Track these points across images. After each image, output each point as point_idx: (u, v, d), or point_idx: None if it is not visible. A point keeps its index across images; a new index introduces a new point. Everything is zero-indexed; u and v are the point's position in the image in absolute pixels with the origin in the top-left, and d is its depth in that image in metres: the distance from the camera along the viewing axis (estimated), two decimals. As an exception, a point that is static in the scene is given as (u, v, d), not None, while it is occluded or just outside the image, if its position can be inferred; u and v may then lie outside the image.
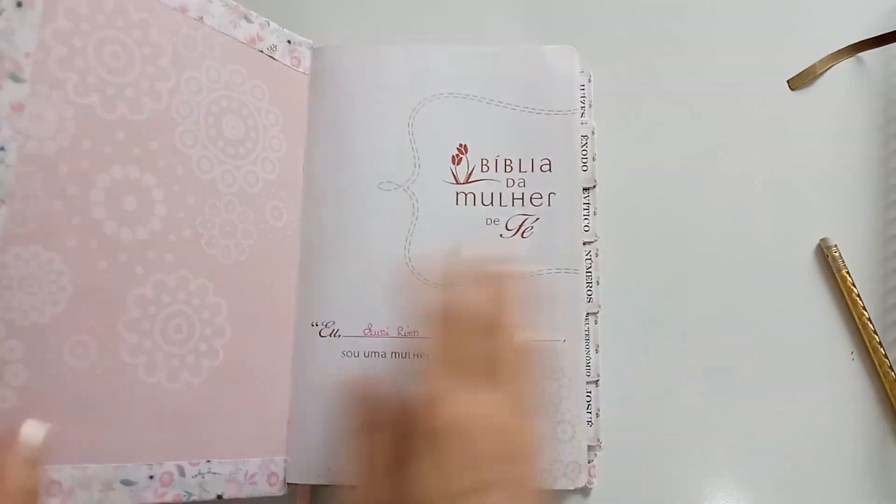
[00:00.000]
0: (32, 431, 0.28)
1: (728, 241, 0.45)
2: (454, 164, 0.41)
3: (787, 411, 0.43)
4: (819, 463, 0.43)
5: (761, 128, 0.47)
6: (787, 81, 0.48)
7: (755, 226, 0.46)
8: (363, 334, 0.39)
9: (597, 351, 0.40)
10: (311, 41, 0.42)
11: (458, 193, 0.41)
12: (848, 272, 0.44)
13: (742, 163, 0.46)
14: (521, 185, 0.41)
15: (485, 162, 0.41)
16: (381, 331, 0.39)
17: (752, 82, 0.47)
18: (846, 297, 0.44)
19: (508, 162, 0.41)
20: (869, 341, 0.44)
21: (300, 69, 0.42)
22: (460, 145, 0.41)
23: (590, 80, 0.43)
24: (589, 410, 0.40)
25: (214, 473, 0.34)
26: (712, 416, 0.42)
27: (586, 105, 0.43)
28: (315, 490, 0.40)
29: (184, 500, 0.33)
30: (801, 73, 0.47)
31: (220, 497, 0.35)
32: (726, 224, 0.45)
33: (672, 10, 0.48)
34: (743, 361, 0.44)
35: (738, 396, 0.43)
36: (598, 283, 0.41)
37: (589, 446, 0.39)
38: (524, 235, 0.41)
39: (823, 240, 0.45)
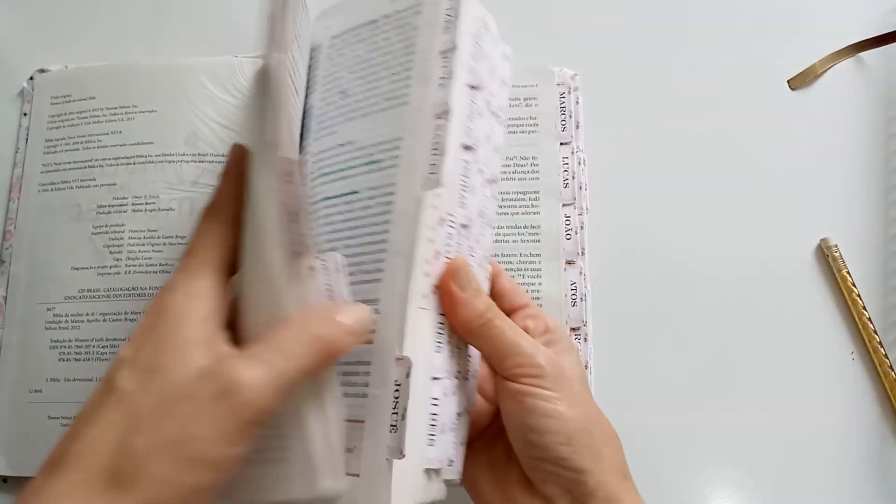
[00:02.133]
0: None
1: (728, 240, 0.45)
2: None
3: (786, 411, 0.43)
4: (819, 463, 0.43)
5: (761, 128, 0.47)
6: (787, 81, 0.47)
7: (755, 226, 0.45)
8: None
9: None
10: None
11: None
12: (848, 272, 0.44)
13: (742, 163, 0.46)
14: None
15: None
16: None
17: (751, 82, 0.47)
18: (846, 297, 0.44)
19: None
20: (869, 341, 0.43)
21: None
22: None
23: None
24: None
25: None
26: (711, 415, 0.42)
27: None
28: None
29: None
30: (801, 73, 0.47)
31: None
32: (726, 224, 0.45)
33: (671, 9, 0.49)
34: (743, 361, 0.44)
35: (738, 396, 0.43)
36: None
37: None
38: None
39: (823, 240, 0.45)
